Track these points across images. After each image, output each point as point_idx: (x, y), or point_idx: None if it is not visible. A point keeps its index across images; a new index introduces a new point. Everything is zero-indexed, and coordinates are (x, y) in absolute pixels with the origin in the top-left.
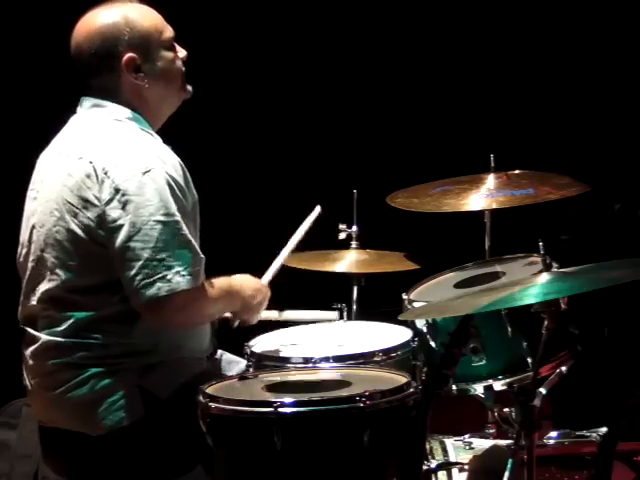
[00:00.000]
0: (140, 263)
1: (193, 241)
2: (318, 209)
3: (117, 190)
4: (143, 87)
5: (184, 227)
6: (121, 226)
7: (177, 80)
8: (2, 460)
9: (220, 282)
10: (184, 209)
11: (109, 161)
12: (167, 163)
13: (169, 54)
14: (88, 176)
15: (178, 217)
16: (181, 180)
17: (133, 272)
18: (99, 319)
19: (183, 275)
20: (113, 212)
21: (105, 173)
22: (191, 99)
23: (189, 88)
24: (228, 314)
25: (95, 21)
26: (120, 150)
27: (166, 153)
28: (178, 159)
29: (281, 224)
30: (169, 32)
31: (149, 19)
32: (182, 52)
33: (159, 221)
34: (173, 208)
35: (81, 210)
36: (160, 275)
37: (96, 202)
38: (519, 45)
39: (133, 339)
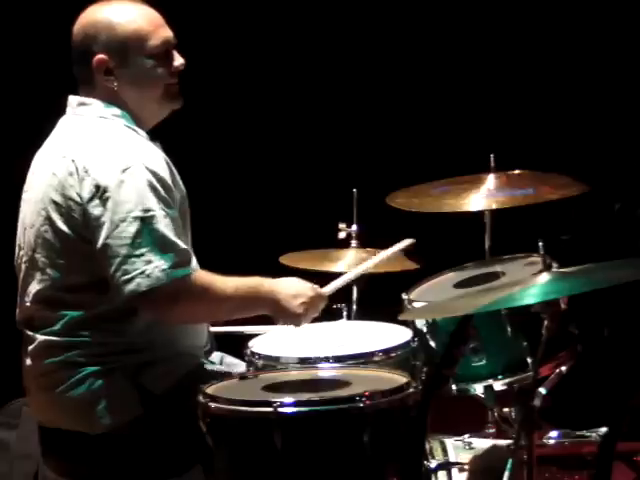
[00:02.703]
0: (119, 260)
1: (175, 237)
2: (410, 241)
3: (97, 188)
4: (113, 88)
5: (164, 222)
6: (102, 224)
7: (154, 89)
8: (2, 460)
9: (239, 280)
10: (167, 203)
11: (90, 159)
12: (149, 159)
13: (148, 62)
14: (70, 174)
15: (157, 212)
16: (165, 175)
17: (113, 269)
18: (93, 318)
19: (163, 269)
20: (95, 210)
21: (86, 171)
22: (191, 98)
23: (177, 100)
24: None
25: (85, 16)
26: (101, 148)
27: (149, 150)
28: (163, 155)
29: (282, 223)
30: (156, 40)
31: (135, 24)
32: (178, 61)
33: (137, 217)
34: (152, 204)
35: (66, 209)
36: (139, 271)
37: (79, 200)
38: (519, 45)
39: (128, 337)
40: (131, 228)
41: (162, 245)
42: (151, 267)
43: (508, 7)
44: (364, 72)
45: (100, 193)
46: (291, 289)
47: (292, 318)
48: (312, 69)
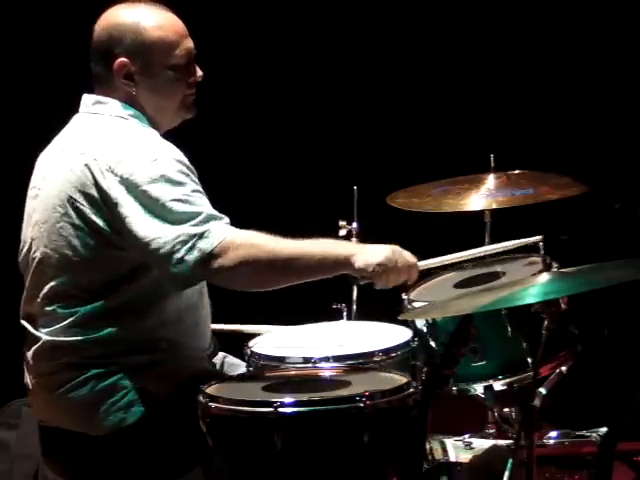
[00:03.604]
0: (172, 239)
1: (207, 202)
2: (539, 238)
3: (127, 185)
4: (131, 93)
5: (200, 199)
6: (142, 216)
7: (172, 100)
8: (2, 460)
9: (307, 242)
10: (198, 183)
11: (114, 157)
12: (172, 150)
13: (169, 73)
14: (92, 172)
15: (192, 192)
16: (189, 163)
17: (168, 249)
18: (99, 316)
19: (218, 227)
20: (127, 204)
21: (112, 171)
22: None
23: (191, 110)
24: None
25: (112, 15)
26: (125, 145)
27: (168, 143)
28: (180, 152)
29: (282, 221)
30: (180, 51)
31: (162, 31)
32: (197, 73)
33: (175, 199)
34: (186, 186)
35: (86, 207)
36: (197, 236)
37: (102, 199)
38: (519, 45)
39: (134, 335)
40: (175, 212)
41: (206, 215)
42: (207, 228)
43: (508, 7)
44: (365, 72)
45: (132, 188)
46: (372, 248)
47: (378, 277)
48: (313, 68)
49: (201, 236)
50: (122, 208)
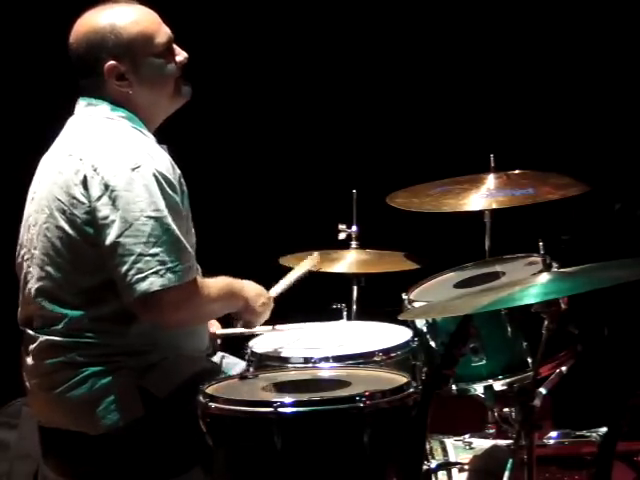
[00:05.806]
0: (132, 258)
1: (184, 240)
2: (316, 255)
3: (107, 186)
4: (128, 93)
5: (173, 223)
6: (112, 222)
7: (167, 86)
8: (2, 460)
9: (220, 281)
10: (174, 205)
11: (98, 158)
12: (156, 159)
13: (158, 61)
14: (76, 173)
15: (167, 213)
16: (171, 176)
17: (125, 267)
18: (93, 319)
19: (176, 271)
20: (104, 208)
21: (95, 170)
22: (192, 101)
23: (186, 91)
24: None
25: (85, 24)
26: (109, 147)
27: (156, 150)
28: (169, 157)
29: (282, 224)
30: (161, 37)
31: (139, 25)
32: (181, 55)
33: (150, 217)
34: (162, 204)
35: (69, 207)
36: (153, 270)
37: (84, 200)
38: (519, 45)
39: (130, 339)
40: (145, 227)
41: (175, 246)
42: (165, 267)
43: (508, 7)
44: (364, 73)
45: (109, 192)
46: (254, 289)
47: (256, 317)
48: (312, 70)
49: (157, 272)
50: (99, 213)
